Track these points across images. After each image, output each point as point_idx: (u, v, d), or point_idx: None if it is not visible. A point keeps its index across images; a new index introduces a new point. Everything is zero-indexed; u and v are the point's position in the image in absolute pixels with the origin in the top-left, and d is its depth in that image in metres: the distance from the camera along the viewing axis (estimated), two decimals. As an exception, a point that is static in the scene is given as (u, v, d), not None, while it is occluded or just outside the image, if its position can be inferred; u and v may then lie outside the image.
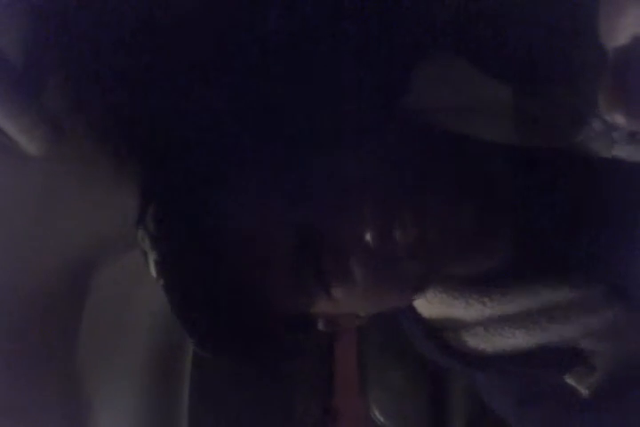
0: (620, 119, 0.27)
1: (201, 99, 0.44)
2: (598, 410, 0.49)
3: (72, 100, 0.38)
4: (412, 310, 0.57)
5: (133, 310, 0.65)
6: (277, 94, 0.47)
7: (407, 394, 0.98)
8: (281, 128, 0.46)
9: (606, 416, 0.49)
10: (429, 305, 0.55)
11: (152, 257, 0.45)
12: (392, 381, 0.98)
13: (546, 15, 0.42)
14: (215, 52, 0.41)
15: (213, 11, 0.38)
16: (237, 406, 1.14)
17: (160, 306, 0.64)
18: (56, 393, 0.50)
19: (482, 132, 0.46)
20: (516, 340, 0.51)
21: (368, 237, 0.43)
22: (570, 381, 0.49)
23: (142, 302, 0.65)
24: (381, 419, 1.00)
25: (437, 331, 0.55)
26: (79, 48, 0.37)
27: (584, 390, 0.49)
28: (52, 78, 0.35)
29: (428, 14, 0.44)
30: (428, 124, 0.47)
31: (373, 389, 1.00)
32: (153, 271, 0.46)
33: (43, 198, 0.42)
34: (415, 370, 0.96)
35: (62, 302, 0.49)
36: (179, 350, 0.76)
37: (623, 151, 0.44)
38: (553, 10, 0.42)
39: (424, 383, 0.97)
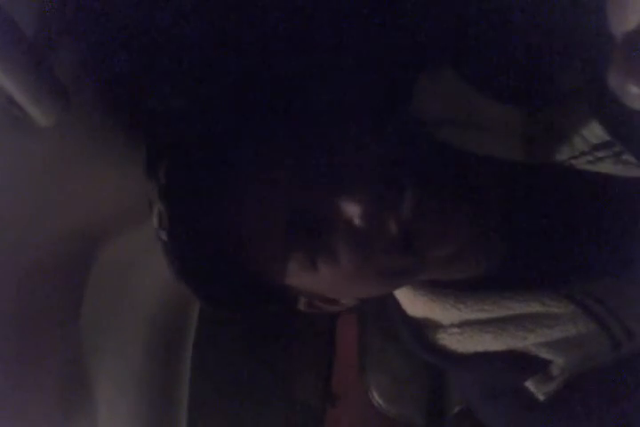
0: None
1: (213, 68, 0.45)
2: (550, 413, 0.53)
3: (81, 69, 0.39)
4: (398, 306, 0.61)
5: (136, 283, 0.66)
6: (284, 83, 0.49)
7: (407, 378, 0.99)
8: (285, 113, 0.48)
9: (556, 419, 0.53)
10: (412, 305, 0.60)
11: (157, 207, 0.47)
12: (392, 364, 0.99)
13: (543, 34, 0.43)
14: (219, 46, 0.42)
15: None
16: (237, 389, 1.15)
17: (163, 282, 0.65)
18: (57, 362, 0.51)
19: (477, 145, 0.49)
20: (484, 343, 0.55)
21: (356, 219, 0.44)
22: (529, 386, 0.53)
23: (145, 276, 0.66)
24: (380, 402, 1.00)
25: (419, 328, 0.60)
26: (88, 17, 0.37)
27: (540, 396, 0.52)
28: (61, 48, 0.35)
29: (430, 29, 0.46)
30: (427, 134, 0.50)
31: (373, 372, 1.01)
32: (155, 222, 0.47)
33: (52, 168, 0.42)
34: (415, 354, 0.97)
35: (68, 269, 0.50)
36: (181, 324, 0.77)
37: (608, 170, 0.47)
38: (551, 29, 0.43)
39: (423, 367, 0.98)
